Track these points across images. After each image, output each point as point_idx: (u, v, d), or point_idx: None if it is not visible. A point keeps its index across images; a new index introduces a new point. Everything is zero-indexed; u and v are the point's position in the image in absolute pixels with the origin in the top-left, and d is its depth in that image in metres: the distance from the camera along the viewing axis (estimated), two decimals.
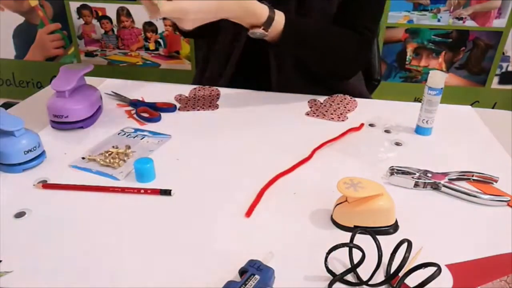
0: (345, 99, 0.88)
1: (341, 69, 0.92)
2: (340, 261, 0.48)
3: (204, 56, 1.04)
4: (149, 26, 1.94)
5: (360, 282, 0.45)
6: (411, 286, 0.42)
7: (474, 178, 0.62)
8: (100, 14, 1.94)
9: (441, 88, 0.71)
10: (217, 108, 0.84)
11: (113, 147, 0.68)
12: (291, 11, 0.84)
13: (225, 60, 0.95)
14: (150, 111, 0.80)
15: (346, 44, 0.87)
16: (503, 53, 1.80)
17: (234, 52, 0.93)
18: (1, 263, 0.47)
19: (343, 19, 0.86)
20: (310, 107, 0.85)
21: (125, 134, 0.73)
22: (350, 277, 0.46)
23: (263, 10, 0.74)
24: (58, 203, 0.57)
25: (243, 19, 0.73)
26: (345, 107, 0.84)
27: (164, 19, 0.91)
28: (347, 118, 0.80)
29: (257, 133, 0.75)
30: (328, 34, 0.85)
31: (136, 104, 0.83)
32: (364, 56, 0.90)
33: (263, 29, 0.74)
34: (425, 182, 0.60)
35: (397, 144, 0.72)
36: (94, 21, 1.96)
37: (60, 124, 0.73)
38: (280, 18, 0.76)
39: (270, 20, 0.74)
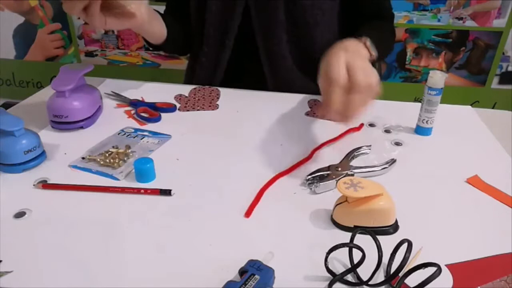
0: None
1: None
2: (340, 261, 0.48)
3: (190, 67, 1.03)
4: None
5: (360, 282, 0.45)
6: (411, 286, 0.42)
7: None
8: None
9: (441, 88, 0.71)
10: (217, 108, 0.84)
11: (113, 147, 0.68)
12: (279, 6, 0.84)
13: (212, 69, 0.94)
14: (150, 111, 0.80)
15: (392, 34, 0.97)
16: (503, 53, 1.80)
17: (221, 62, 0.92)
18: (1, 263, 0.47)
19: (370, 10, 0.92)
20: (310, 107, 0.85)
21: (125, 134, 0.73)
22: (350, 277, 0.46)
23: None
24: (58, 203, 0.57)
25: None
26: None
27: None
28: None
29: (257, 133, 0.74)
30: (386, 37, 0.91)
31: (136, 104, 0.83)
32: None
33: None
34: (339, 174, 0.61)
35: (397, 144, 0.72)
36: None
37: (60, 124, 0.73)
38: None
39: None
